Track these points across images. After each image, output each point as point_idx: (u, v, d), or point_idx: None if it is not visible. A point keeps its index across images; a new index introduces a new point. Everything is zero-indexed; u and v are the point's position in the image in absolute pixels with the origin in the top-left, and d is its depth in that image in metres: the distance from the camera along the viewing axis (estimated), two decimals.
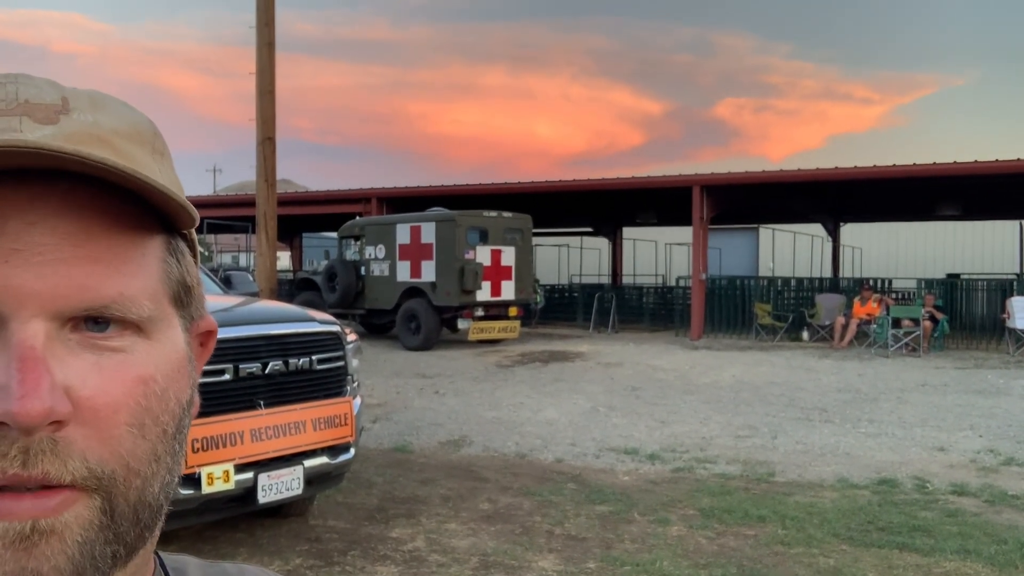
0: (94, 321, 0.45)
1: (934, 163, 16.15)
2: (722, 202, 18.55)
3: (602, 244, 30.35)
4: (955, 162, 15.94)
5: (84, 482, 0.43)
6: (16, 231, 0.43)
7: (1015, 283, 18.00)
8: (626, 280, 28.39)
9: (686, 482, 6.34)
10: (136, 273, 0.46)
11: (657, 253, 30.24)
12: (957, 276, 20.94)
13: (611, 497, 5.86)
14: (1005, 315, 15.64)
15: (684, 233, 23.26)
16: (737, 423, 8.63)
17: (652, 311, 21.82)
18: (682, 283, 20.47)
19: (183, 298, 0.51)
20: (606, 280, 28.00)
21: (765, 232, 31.63)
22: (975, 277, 20.13)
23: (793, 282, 20.78)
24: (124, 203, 0.46)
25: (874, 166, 16.68)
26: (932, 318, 15.61)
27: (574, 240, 30.89)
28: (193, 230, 0.52)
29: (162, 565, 0.56)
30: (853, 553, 4.72)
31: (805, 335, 17.55)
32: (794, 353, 15.12)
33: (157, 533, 0.50)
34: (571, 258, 31.01)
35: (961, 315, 17.69)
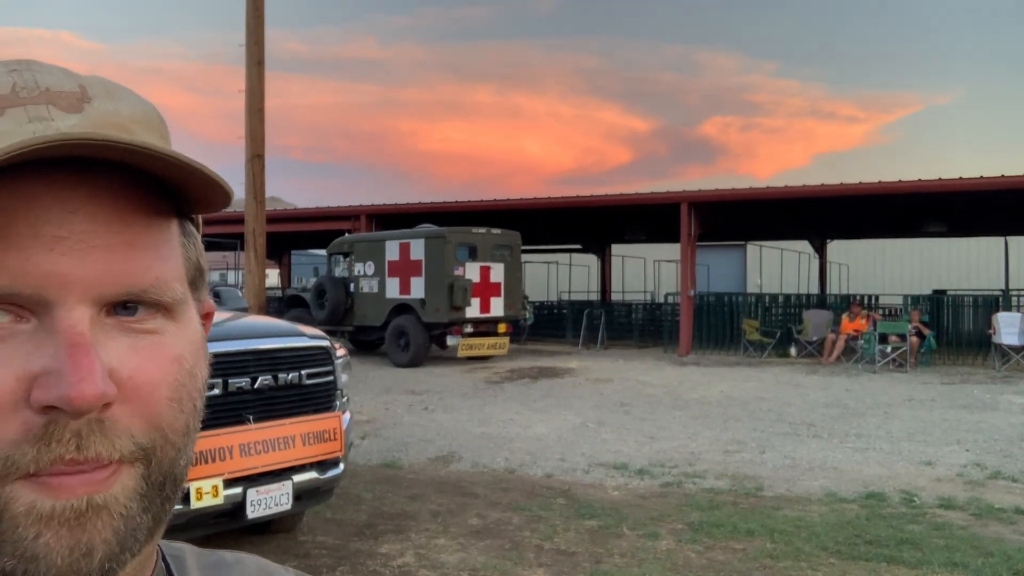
0: (123, 306, 0.46)
1: (919, 180, 16.29)
2: (710, 219, 18.65)
3: (591, 261, 30.42)
4: (940, 179, 16.10)
5: (131, 456, 0.45)
6: (59, 219, 0.44)
7: (1000, 299, 18.16)
8: (615, 297, 28.45)
9: (675, 497, 6.35)
10: (168, 257, 0.48)
11: (646, 270, 30.34)
12: (943, 292, 21.07)
13: (600, 512, 5.86)
14: (991, 331, 15.75)
15: (672, 250, 23.35)
16: (725, 438, 8.64)
17: (641, 327, 21.87)
18: (670, 299, 20.54)
19: (197, 281, 0.52)
20: (595, 297, 28.06)
21: (752, 249, 31.78)
22: (961, 293, 20.26)
23: (781, 298, 20.88)
24: (148, 190, 0.47)
25: (860, 183, 16.81)
26: (919, 334, 15.71)
27: (563, 257, 30.96)
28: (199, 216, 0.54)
29: (161, 552, 0.57)
30: (841, 566, 4.74)
31: (793, 351, 17.62)
32: (782, 369, 15.17)
33: (166, 520, 0.51)
34: (560, 275, 31.05)
35: (948, 331, 17.80)
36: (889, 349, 15.39)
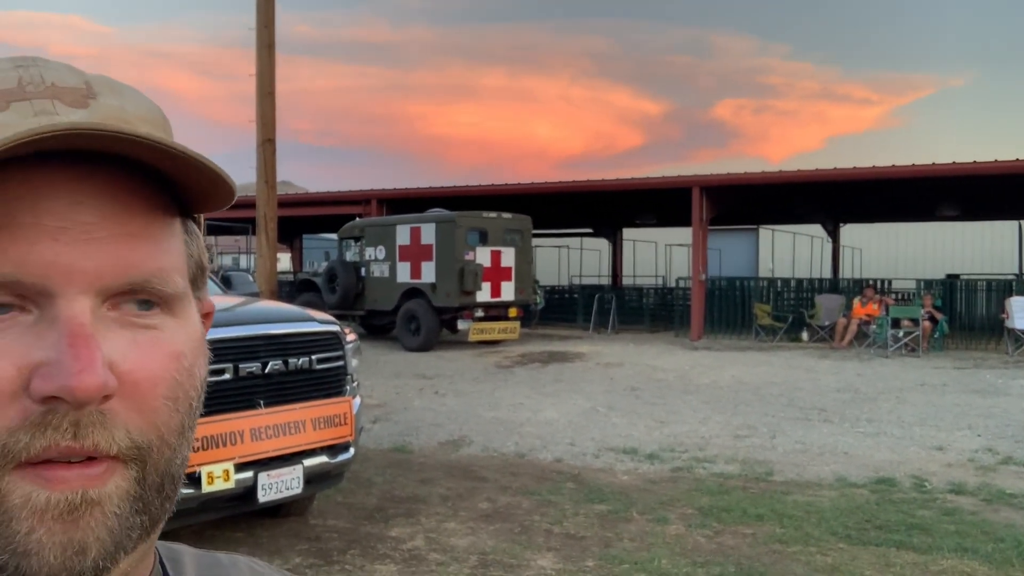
0: (125, 299, 0.46)
1: (933, 164, 16.17)
2: (721, 203, 18.56)
3: (602, 245, 30.36)
4: (954, 163, 15.95)
5: (127, 452, 0.45)
6: (64, 211, 0.44)
7: (1014, 283, 18.01)
8: (626, 281, 28.40)
9: (685, 481, 6.36)
10: (170, 250, 0.48)
11: (657, 254, 30.24)
12: (956, 276, 20.94)
13: (610, 496, 5.87)
14: (1004, 315, 15.65)
15: (684, 234, 23.28)
16: (736, 423, 8.64)
17: (652, 312, 21.83)
18: (682, 284, 20.49)
19: (198, 278, 0.53)
20: (606, 281, 28.01)
21: (765, 233, 31.62)
22: (974, 277, 20.12)
23: (793, 283, 20.79)
24: (152, 185, 0.47)
25: (873, 167, 16.70)
26: (931, 318, 15.62)
27: (574, 241, 30.90)
28: (202, 216, 0.54)
29: (157, 552, 0.57)
30: (851, 551, 4.74)
31: (804, 336, 17.57)
32: (793, 354, 15.13)
33: (164, 519, 0.51)
34: (571, 259, 31.01)
35: (960, 315, 17.69)
36: (901, 334, 15.32)
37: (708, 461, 7.00)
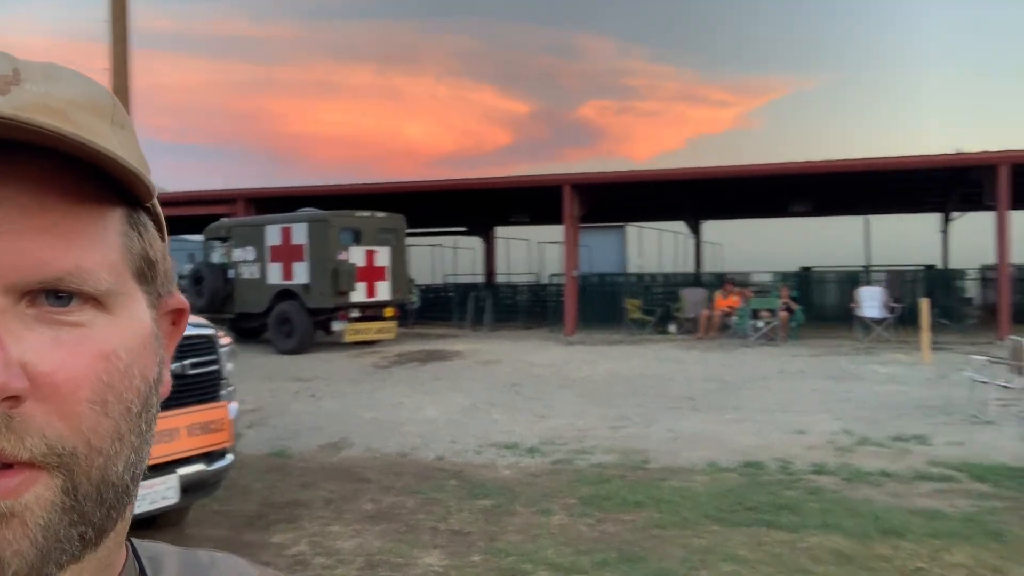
0: (55, 295, 0.43)
1: (787, 162, 17.07)
2: (591, 201, 19.00)
3: (476, 243, 30.51)
4: (806, 161, 16.90)
5: (44, 459, 0.41)
6: None
7: (862, 275, 19.26)
8: (500, 279, 28.64)
9: (566, 473, 6.49)
10: (94, 246, 0.45)
11: (530, 252, 30.64)
12: (809, 269, 22.17)
13: (493, 491, 5.93)
14: (854, 304, 16.71)
15: (556, 231, 23.68)
16: (612, 414, 8.88)
17: (527, 309, 22.12)
18: (555, 281, 20.85)
19: (146, 273, 0.49)
20: (481, 279, 28.17)
21: (631, 230, 32.56)
22: (826, 270, 21.38)
23: (660, 278, 21.51)
24: (83, 176, 0.44)
25: (731, 165, 17.48)
26: (788, 309, 16.50)
27: (448, 240, 30.91)
28: (157, 203, 0.51)
29: (135, 553, 0.54)
30: (724, 533, 4.96)
31: (672, 328, 18.21)
32: (663, 346, 15.66)
33: (128, 518, 0.49)
34: (445, 258, 31.01)
35: (815, 306, 18.77)
36: (761, 324, 16.12)
37: (587, 452, 7.16)
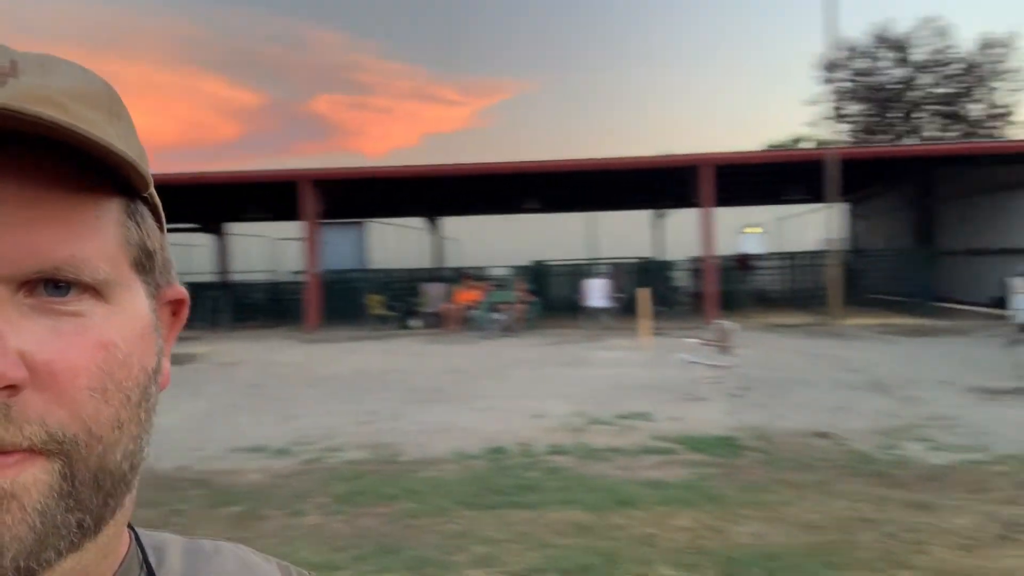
0: (54, 285, 0.43)
1: (519, 161, 17.98)
2: (330, 197, 18.83)
3: (209, 241, 29.09)
4: (537, 160, 17.89)
5: (43, 446, 0.42)
6: None
7: (588, 268, 20.67)
8: (237, 277, 27.55)
9: (318, 472, 6.47)
10: (90, 235, 0.45)
11: (270, 249, 29.72)
12: (542, 263, 23.44)
13: (242, 497, 5.79)
14: (582, 296, 17.93)
15: (294, 228, 23.18)
16: (360, 410, 8.92)
17: (266, 307, 21.48)
18: (295, 278, 20.43)
19: (144, 263, 0.49)
20: (216, 278, 26.92)
21: (371, 226, 32.60)
22: (557, 264, 22.70)
23: (401, 273, 21.76)
24: (80, 166, 0.44)
25: (466, 164, 18.09)
26: (524, 301, 17.38)
27: (179, 238, 29.21)
28: (155, 194, 0.51)
29: (139, 542, 0.54)
30: (474, 516, 5.21)
31: (415, 323, 18.52)
32: (407, 340, 15.89)
33: (129, 507, 0.49)
34: (177, 257, 29.24)
35: (548, 298, 19.89)
36: (499, 316, 16.84)
37: (338, 450, 7.17)
